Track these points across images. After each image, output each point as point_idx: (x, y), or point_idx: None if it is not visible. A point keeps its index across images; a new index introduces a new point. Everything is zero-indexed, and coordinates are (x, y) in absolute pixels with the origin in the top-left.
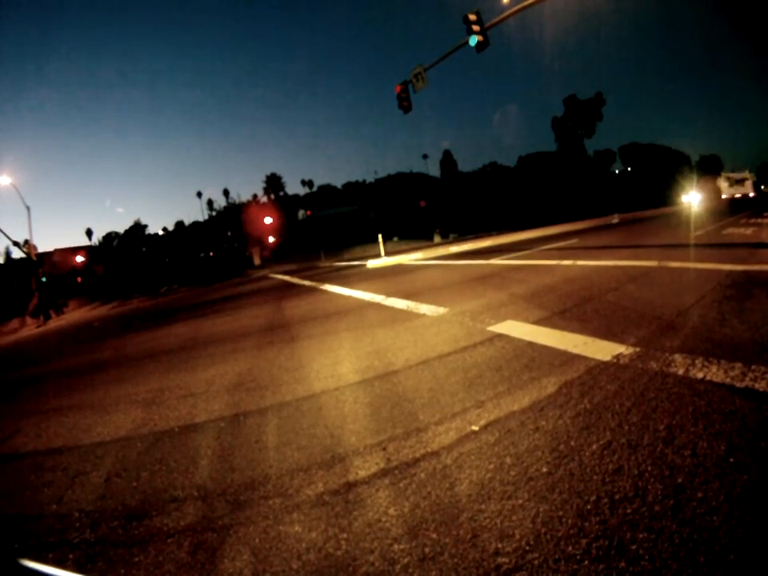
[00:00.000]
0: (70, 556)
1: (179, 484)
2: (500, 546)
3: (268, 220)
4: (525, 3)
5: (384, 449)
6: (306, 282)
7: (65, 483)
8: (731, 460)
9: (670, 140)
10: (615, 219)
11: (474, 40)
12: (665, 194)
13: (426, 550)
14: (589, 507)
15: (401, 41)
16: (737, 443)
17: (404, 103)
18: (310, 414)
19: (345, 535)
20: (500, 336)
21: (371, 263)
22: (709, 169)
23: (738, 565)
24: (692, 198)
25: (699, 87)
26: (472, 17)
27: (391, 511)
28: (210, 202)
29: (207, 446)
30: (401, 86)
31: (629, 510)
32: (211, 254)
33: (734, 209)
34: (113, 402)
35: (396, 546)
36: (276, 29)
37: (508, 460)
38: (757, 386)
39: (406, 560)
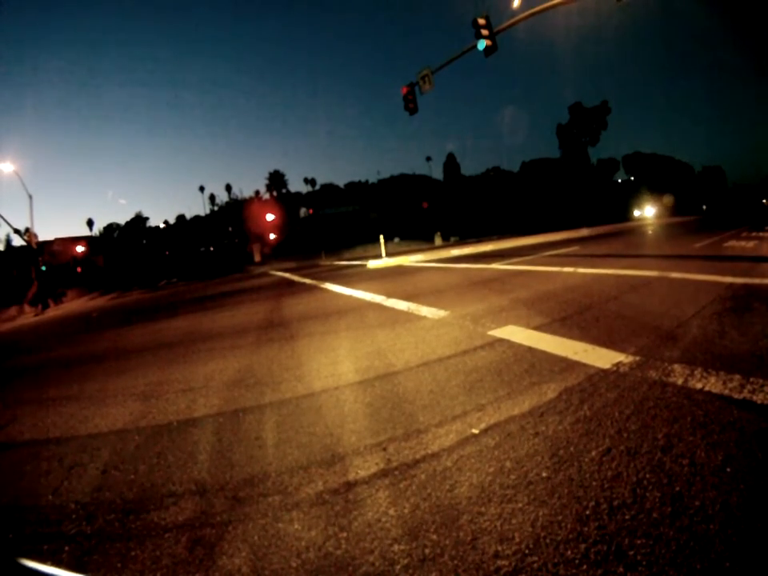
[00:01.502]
0: (66, 548)
1: (177, 479)
2: (500, 548)
3: (270, 217)
4: (535, 9)
5: (384, 449)
6: (307, 280)
7: (61, 474)
8: (728, 470)
9: (673, 150)
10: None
11: (482, 44)
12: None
13: (426, 551)
14: (588, 512)
15: (407, 42)
16: (734, 453)
17: (410, 105)
18: (309, 412)
19: (344, 534)
20: (501, 340)
21: (372, 263)
22: (712, 180)
23: (734, 572)
24: (647, 212)
25: (705, 99)
26: (481, 21)
27: (391, 512)
28: (212, 197)
29: (206, 442)
30: (407, 88)
31: (627, 516)
32: (212, 248)
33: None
34: (111, 393)
35: (396, 547)
36: (282, 26)
37: (508, 464)
38: (755, 397)
39: (405, 561)
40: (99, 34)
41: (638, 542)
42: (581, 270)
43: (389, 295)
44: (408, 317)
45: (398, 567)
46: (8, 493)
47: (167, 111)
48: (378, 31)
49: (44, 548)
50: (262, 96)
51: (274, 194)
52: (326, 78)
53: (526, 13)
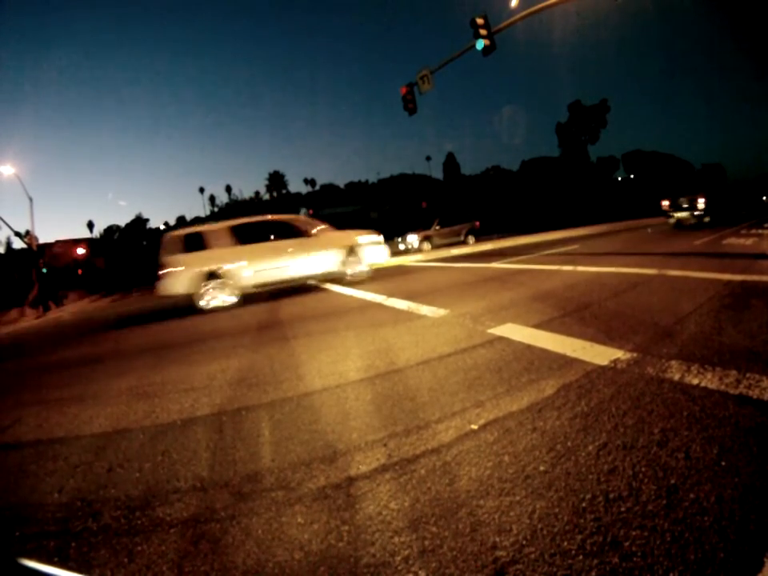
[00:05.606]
0: (73, 545)
1: (182, 475)
2: (498, 539)
3: None
4: (533, 9)
5: (385, 445)
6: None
7: (66, 473)
8: (723, 463)
9: (674, 148)
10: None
11: (480, 44)
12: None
13: (426, 542)
14: (584, 505)
15: (406, 42)
16: (729, 447)
17: (409, 105)
18: (311, 410)
19: (346, 528)
20: (500, 338)
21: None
22: (712, 178)
23: (727, 563)
24: (410, 240)
25: (704, 96)
26: (479, 20)
27: (392, 505)
28: (212, 198)
29: (209, 439)
30: (406, 88)
31: (623, 509)
32: None
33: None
34: (114, 394)
35: (397, 539)
36: (280, 27)
37: (506, 458)
38: (750, 393)
39: (406, 552)
40: (98, 35)
41: (633, 533)
42: (580, 269)
43: (389, 295)
44: (408, 316)
45: (399, 558)
46: (14, 492)
47: (167, 112)
48: (378, 31)
49: (50, 545)
50: (261, 96)
51: (274, 194)
52: (326, 78)
53: (524, 12)
